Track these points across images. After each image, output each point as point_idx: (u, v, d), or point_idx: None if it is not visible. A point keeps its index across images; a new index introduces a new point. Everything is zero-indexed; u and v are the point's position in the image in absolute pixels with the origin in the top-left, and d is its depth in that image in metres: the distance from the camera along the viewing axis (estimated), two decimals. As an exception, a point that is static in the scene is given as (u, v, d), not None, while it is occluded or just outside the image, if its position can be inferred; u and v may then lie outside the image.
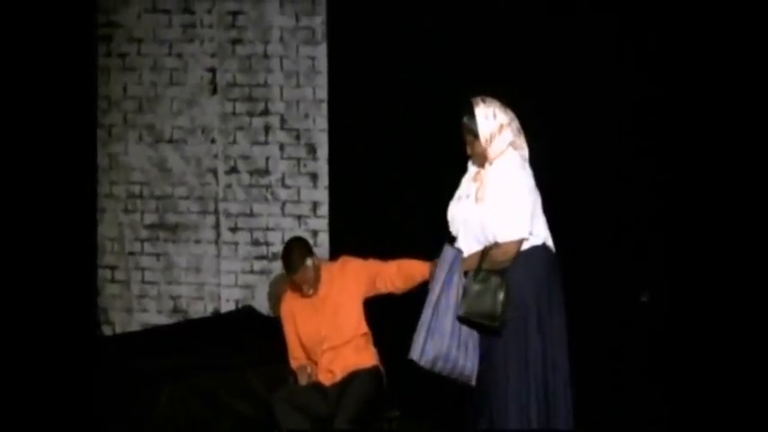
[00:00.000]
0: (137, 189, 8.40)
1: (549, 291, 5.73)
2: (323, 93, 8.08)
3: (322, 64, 8.07)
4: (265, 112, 8.18)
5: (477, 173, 5.85)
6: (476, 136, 5.76)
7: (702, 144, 7.17)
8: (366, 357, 6.51)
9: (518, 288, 5.62)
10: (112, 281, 8.41)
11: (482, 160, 5.81)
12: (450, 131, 7.53)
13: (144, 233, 8.38)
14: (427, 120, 7.69)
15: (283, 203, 8.17)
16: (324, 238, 8.02)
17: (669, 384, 7.13)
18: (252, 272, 8.19)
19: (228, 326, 7.93)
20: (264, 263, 8.13)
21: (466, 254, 5.77)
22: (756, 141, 7.03)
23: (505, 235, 5.66)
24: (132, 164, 8.42)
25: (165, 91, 8.39)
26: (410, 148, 7.71)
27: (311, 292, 6.50)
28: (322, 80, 8.08)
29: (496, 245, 5.65)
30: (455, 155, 7.54)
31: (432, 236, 7.56)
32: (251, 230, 8.21)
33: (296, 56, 8.14)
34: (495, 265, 5.64)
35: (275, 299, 7.88)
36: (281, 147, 8.18)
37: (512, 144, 5.79)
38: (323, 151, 8.08)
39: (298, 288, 6.54)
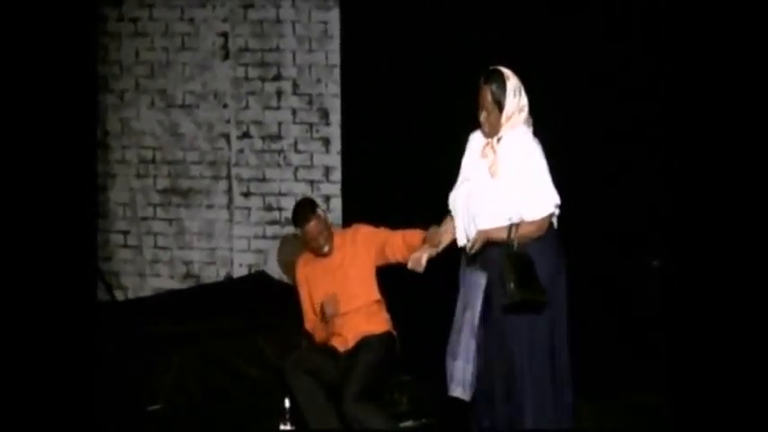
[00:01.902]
0: (149, 154, 8.41)
1: (560, 268, 5.69)
2: (335, 58, 8.05)
3: (334, 29, 8.04)
4: (278, 77, 8.17)
5: (485, 148, 5.74)
6: (501, 108, 5.68)
7: (712, 126, 7.12)
8: (378, 323, 6.52)
9: (538, 266, 5.55)
10: (125, 246, 8.43)
11: (492, 132, 5.72)
12: (463, 97, 7.55)
13: (156, 198, 8.39)
14: (440, 85, 7.67)
15: (296, 169, 8.16)
16: (336, 204, 8.02)
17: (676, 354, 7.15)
18: (264, 237, 8.20)
19: (241, 291, 7.94)
20: (277, 228, 8.14)
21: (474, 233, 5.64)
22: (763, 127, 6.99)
23: (539, 210, 5.59)
24: (144, 129, 8.43)
25: (176, 56, 8.38)
26: (423, 112, 7.69)
27: (326, 249, 6.52)
28: (334, 45, 8.05)
29: (523, 221, 5.55)
30: (468, 119, 7.55)
31: (444, 201, 7.58)
32: (263, 195, 8.21)
33: (308, 21, 8.12)
34: (525, 239, 5.53)
35: (284, 265, 7.91)
36: (294, 112, 8.17)
37: (525, 124, 5.73)
38: (335, 116, 8.06)
39: (312, 248, 6.55)
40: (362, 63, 7.84)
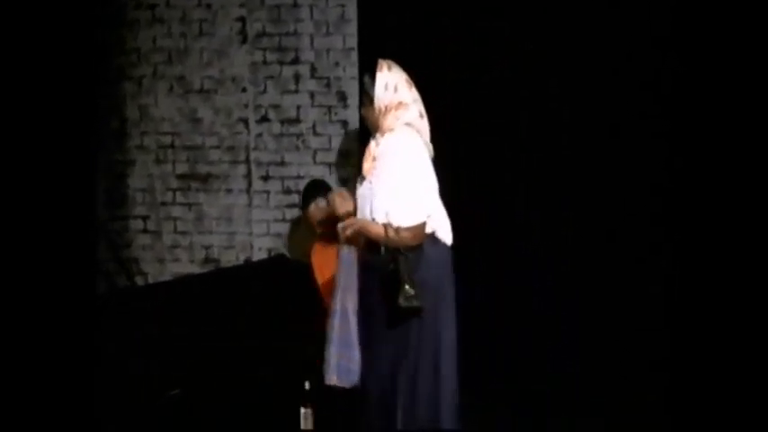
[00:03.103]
0: (167, 140, 8.40)
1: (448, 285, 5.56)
2: (353, 41, 8.03)
3: (352, 12, 8.01)
4: (295, 61, 8.15)
5: (368, 148, 5.58)
6: (371, 101, 5.49)
7: (716, 123, 7.07)
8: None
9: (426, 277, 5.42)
10: (144, 231, 8.43)
11: (373, 127, 5.55)
12: (479, 82, 7.56)
13: (175, 183, 8.39)
14: (457, 68, 7.66)
15: (314, 152, 8.14)
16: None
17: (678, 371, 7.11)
18: (284, 220, 8.18)
19: (260, 274, 7.94)
20: (296, 211, 8.11)
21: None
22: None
23: (406, 218, 5.34)
24: (163, 115, 8.42)
25: (194, 42, 8.37)
26: (440, 94, 7.65)
27: (320, 230, 6.66)
28: (352, 28, 8.03)
29: (396, 227, 5.33)
30: (485, 102, 7.55)
31: (459, 182, 7.57)
32: (282, 179, 8.19)
33: (325, 4, 8.09)
34: (400, 245, 5.36)
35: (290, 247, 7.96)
36: (312, 95, 8.15)
37: (409, 124, 5.49)
38: (353, 99, 8.02)
39: (313, 231, 6.72)
40: (380, 46, 7.80)
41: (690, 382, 6.86)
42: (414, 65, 7.61)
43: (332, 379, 5.40)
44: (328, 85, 8.11)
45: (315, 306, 6.96)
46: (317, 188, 7.11)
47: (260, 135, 8.22)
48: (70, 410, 6.46)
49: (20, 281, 6.40)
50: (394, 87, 5.46)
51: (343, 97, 8.08)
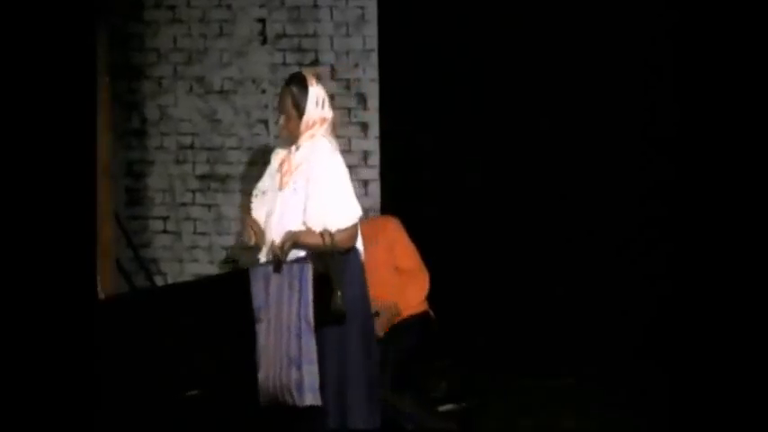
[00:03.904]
0: (187, 140, 8.40)
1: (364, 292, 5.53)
2: (373, 42, 8.00)
3: (372, 13, 8.00)
4: (315, 63, 8.13)
5: (283, 161, 5.59)
6: (300, 113, 5.49)
7: (718, 127, 7.05)
8: (415, 305, 6.54)
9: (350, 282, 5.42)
10: (164, 232, 8.43)
11: (292, 139, 5.56)
12: (500, 82, 7.55)
13: (195, 184, 8.39)
14: (478, 69, 7.65)
15: (334, 153, 8.14)
16: (374, 188, 7.97)
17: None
18: (303, 222, 8.19)
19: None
20: (315, 213, 8.13)
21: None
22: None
23: (343, 220, 5.37)
24: (182, 116, 8.42)
25: (214, 42, 8.36)
26: (461, 97, 7.68)
27: None
28: (372, 29, 8.01)
29: (332, 232, 5.34)
30: (507, 103, 7.55)
31: (481, 184, 7.58)
32: (301, 181, 8.18)
33: (345, 5, 8.08)
34: (336, 249, 5.35)
35: None
36: (331, 97, 8.09)
37: (325, 137, 5.53)
38: (373, 101, 8.01)
39: None
40: (400, 47, 7.83)
41: (692, 381, 6.87)
42: (433, 65, 7.69)
43: (307, 398, 5.28)
44: (348, 87, 8.10)
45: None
46: None
47: (279, 137, 8.21)
48: (70, 410, 6.46)
49: (19, 281, 6.39)
50: (323, 103, 5.54)
51: (362, 99, 8.06)
